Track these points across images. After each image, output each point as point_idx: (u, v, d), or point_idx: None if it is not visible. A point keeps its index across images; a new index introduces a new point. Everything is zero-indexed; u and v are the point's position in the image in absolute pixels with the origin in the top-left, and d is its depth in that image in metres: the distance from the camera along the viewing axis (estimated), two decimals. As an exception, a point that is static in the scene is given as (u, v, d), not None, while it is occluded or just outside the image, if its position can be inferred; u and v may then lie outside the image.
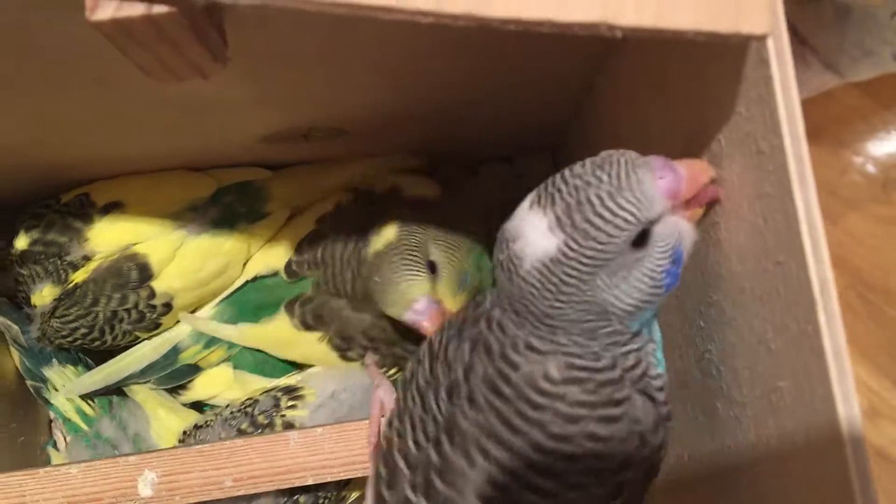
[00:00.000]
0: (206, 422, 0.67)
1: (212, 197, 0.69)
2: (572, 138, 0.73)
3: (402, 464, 0.45)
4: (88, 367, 0.74)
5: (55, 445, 0.75)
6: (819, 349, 0.33)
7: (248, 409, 0.66)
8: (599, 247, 0.36)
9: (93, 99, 0.51)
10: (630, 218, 0.36)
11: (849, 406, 0.32)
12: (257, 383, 0.72)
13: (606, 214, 0.36)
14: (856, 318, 1.10)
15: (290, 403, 0.66)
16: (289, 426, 0.64)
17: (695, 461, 0.49)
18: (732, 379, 0.42)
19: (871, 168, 1.16)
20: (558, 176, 0.38)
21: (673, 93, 0.45)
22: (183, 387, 0.74)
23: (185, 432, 0.68)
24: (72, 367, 0.73)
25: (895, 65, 0.93)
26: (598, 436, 0.39)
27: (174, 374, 0.72)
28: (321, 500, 0.66)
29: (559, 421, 0.39)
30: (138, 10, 0.30)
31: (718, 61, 0.37)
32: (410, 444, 0.45)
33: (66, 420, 0.72)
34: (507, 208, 0.40)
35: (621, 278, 0.37)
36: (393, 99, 0.58)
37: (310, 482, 0.57)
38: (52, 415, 0.79)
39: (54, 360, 0.72)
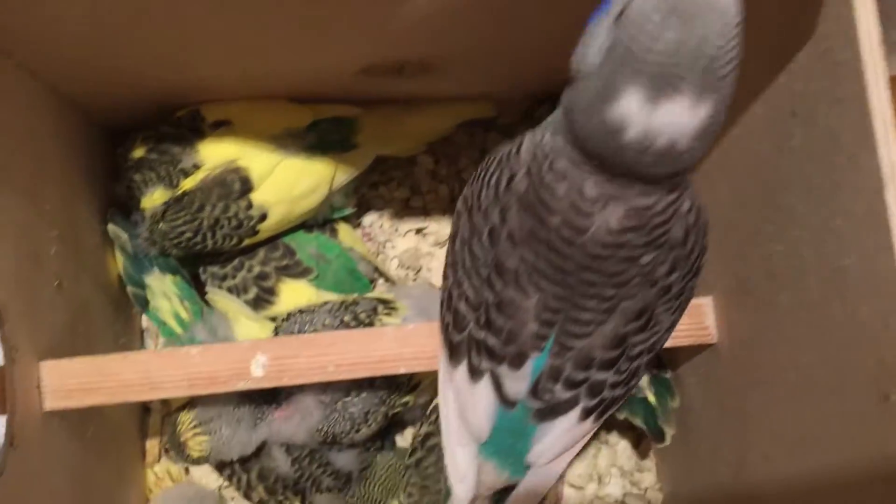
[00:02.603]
0: (311, 307, 0.74)
1: (308, 126, 0.76)
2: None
3: (463, 308, 0.51)
4: (185, 278, 0.80)
5: (148, 351, 0.82)
6: (886, 226, 0.39)
7: (351, 307, 0.73)
8: (730, 89, 0.37)
9: (211, 21, 0.58)
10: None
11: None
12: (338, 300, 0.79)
13: (729, 45, 0.35)
14: None
15: (385, 311, 0.73)
16: None
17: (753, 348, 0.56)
18: (798, 270, 0.49)
19: None
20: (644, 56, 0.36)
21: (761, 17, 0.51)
22: (268, 301, 0.80)
23: (289, 314, 0.75)
24: (170, 276, 0.79)
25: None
26: (644, 262, 0.44)
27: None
28: (395, 387, 0.73)
29: (613, 260, 0.43)
30: None
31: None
32: (468, 289, 0.50)
33: (162, 324, 0.79)
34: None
35: None
36: (489, 35, 0.65)
37: (402, 371, 0.64)
38: (144, 324, 0.86)
39: (155, 269, 0.79)
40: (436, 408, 0.76)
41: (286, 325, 0.74)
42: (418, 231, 0.88)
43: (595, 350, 0.48)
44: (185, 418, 0.73)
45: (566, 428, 0.51)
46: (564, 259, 0.44)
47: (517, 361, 0.49)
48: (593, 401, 0.50)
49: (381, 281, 0.87)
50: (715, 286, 0.62)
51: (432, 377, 0.76)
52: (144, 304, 0.79)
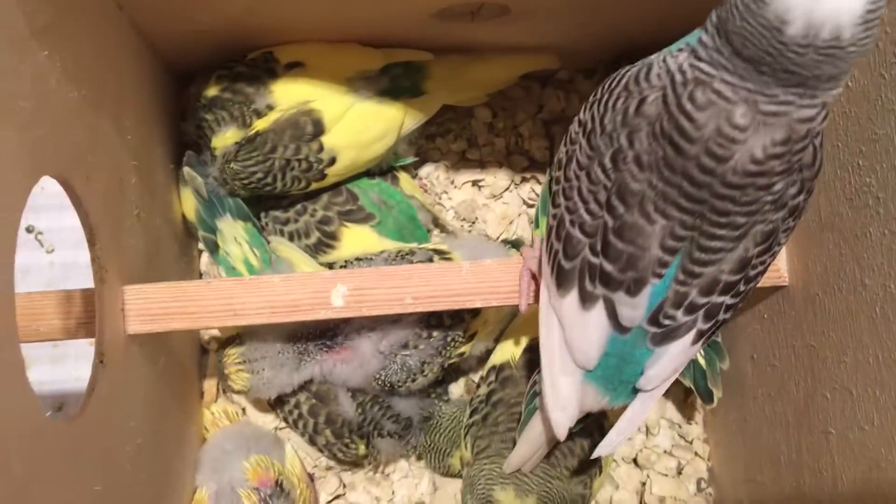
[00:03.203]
0: (369, 256, 0.75)
1: (381, 70, 0.77)
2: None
3: (578, 233, 0.51)
4: (255, 226, 0.81)
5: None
6: None
7: (408, 256, 0.74)
8: None
9: None
10: None
11: None
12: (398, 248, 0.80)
13: None
14: None
15: (440, 261, 0.74)
16: None
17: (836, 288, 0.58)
18: (892, 201, 0.50)
19: None
20: None
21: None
22: (330, 245, 0.81)
23: (346, 261, 0.76)
24: (241, 223, 0.80)
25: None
26: (777, 189, 0.45)
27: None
28: (451, 339, 0.74)
29: (751, 188, 0.44)
30: None
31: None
32: (584, 214, 0.50)
33: (231, 269, 0.80)
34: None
35: None
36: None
37: (478, 305, 0.65)
38: (203, 268, 0.87)
39: (227, 214, 0.80)
40: (494, 368, 0.77)
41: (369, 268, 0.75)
42: (474, 183, 0.90)
43: (722, 275, 0.48)
44: (232, 352, 0.74)
45: (679, 351, 0.52)
46: (699, 188, 0.44)
47: (635, 288, 0.49)
48: (708, 323, 0.51)
49: (436, 232, 0.88)
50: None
51: (488, 329, 0.77)
52: (214, 248, 0.80)
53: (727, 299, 0.50)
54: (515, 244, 0.83)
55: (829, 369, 0.59)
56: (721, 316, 0.51)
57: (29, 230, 0.92)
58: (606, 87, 0.49)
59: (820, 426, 0.61)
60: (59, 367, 0.89)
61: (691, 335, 0.52)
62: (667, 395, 0.86)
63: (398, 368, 0.74)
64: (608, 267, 0.49)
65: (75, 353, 0.87)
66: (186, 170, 0.78)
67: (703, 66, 0.43)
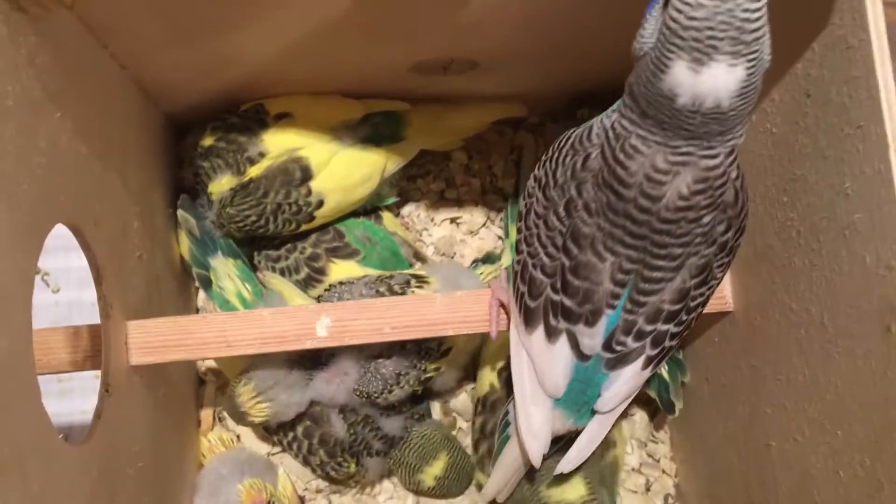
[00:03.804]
0: (351, 280, 0.82)
1: (362, 119, 0.84)
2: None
3: (540, 275, 0.58)
4: (245, 263, 0.88)
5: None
6: (890, 181, 0.47)
7: (387, 280, 0.81)
8: (759, 45, 0.43)
9: (290, 30, 0.66)
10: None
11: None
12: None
13: (754, 16, 0.41)
14: None
15: (417, 284, 0.81)
16: None
17: (766, 312, 0.64)
18: (810, 232, 0.57)
19: None
20: (680, 30, 0.43)
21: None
22: (318, 280, 0.88)
23: (330, 285, 0.83)
24: (232, 260, 0.86)
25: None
26: (706, 222, 0.52)
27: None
28: (424, 351, 0.80)
29: (682, 221, 0.51)
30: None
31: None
32: (544, 258, 0.58)
33: (226, 303, 0.86)
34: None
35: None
36: (528, 39, 0.73)
37: (451, 333, 0.71)
38: (200, 304, 0.93)
39: (219, 252, 0.86)
40: (480, 400, 0.84)
41: (327, 294, 0.82)
42: (452, 220, 0.96)
43: (664, 304, 0.56)
44: (243, 390, 0.79)
45: (631, 375, 0.59)
46: (639, 225, 0.52)
47: (592, 319, 0.57)
48: (656, 350, 0.58)
49: (417, 265, 0.95)
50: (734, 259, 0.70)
51: (463, 346, 0.83)
52: (207, 284, 0.86)
53: (671, 327, 0.57)
54: (486, 258, 0.89)
55: (768, 387, 0.65)
56: (667, 343, 0.58)
57: (36, 271, 0.98)
58: (556, 146, 0.57)
59: (763, 440, 0.67)
60: (66, 400, 0.95)
61: (641, 360, 0.59)
62: (635, 416, 0.91)
63: (373, 377, 0.79)
64: (568, 302, 0.57)
65: (81, 387, 0.93)
66: (180, 212, 0.84)
67: (625, 123, 0.50)
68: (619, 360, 0.59)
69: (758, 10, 0.42)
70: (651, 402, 0.85)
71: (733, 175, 0.51)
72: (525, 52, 0.77)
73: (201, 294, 0.93)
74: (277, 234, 0.84)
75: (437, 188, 0.97)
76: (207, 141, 0.81)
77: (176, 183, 0.87)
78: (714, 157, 0.49)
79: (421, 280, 0.82)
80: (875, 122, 0.48)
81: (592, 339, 0.58)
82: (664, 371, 0.81)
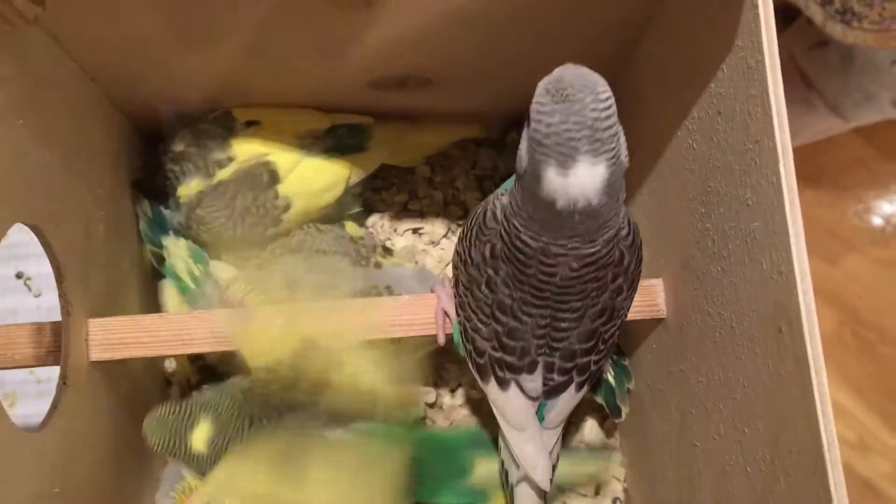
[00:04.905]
0: (324, 229, 0.89)
1: (327, 130, 0.88)
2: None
3: (479, 340, 0.65)
4: (197, 242, 0.91)
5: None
6: (780, 191, 0.51)
7: (358, 241, 0.89)
8: (615, 143, 0.49)
9: (257, 45, 0.71)
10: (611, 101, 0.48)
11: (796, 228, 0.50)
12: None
13: (603, 114, 0.48)
14: (849, 353, 1.22)
15: (380, 254, 0.89)
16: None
17: (695, 323, 0.68)
18: (722, 241, 0.60)
19: (871, 214, 1.27)
20: (543, 136, 0.49)
21: (696, 41, 0.64)
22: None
23: (305, 226, 0.89)
24: (184, 240, 0.90)
25: (894, 111, 1.06)
26: (598, 279, 0.59)
27: None
28: None
29: (577, 286, 0.58)
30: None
31: (725, 14, 0.56)
32: (478, 324, 0.65)
33: (178, 279, 0.88)
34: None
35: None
36: (475, 57, 0.77)
37: (398, 335, 0.75)
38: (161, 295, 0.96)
39: (171, 232, 0.89)
40: None
41: (300, 233, 0.88)
42: (415, 231, 1.00)
43: (574, 345, 0.62)
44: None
45: (569, 398, 0.66)
46: (542, 292, 0.59)
47: (531, 368, 0.64)
48: (583, 377, 0.65)
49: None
50: (665, 268, 0.73)
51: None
52: (161, 261, 0.89)
53: (592, 357, 0.64)
54: None
55: (693, 389, 0.68)
56: (594, 367, 0.65)
57: (18, 276, 1.02)
58: (468, 226, 0.63)
59: (690, 441, 0.70)
60: (44, 400, 0.98)
61: (573, 386, 0.66)
62: (585, 423, 0.95)
63: None
64: (509, 359, 0.64)
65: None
66: (131, 191, 0.87)
67: (516, 223, 0.56)
68: (553, 391, 0.66)
69: (606, 108, 0.47)
70: (601, 408, 0.88)
71: (623, 234, 0.57)
72: (477, 69, 0.81)
73: (165, 298, 0.96)
74: (245, 237, 0.88)
75: (400, 200, 1.00)
76: (178, 146, 0.85)
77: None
78: (594, 246, 0.55)
79: (387, 252, 0.87)
80: (768, 136, 0.52)
81: (534, 382, 0.65)
82: (611, 377, 0.85)
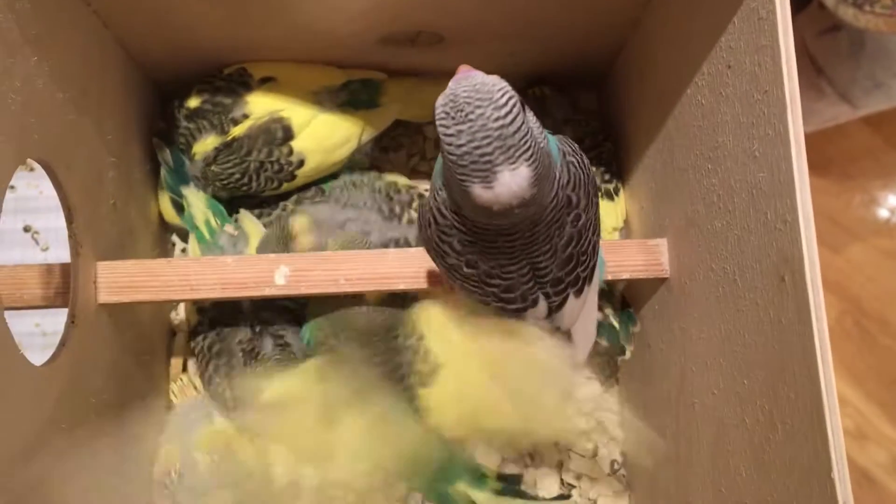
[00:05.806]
0: (363, 183, 0.91)
1: (342, 85, 0.89)
2: (616, 73, 0.92)
3: (467, 285, 0.65)
4: (215, 196, 0.91)
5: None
6: (786, 140, 0.51)
7: (393, 195, 0.91)
8: (528, 139, 0.49)
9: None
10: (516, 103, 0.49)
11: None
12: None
13: (508, 120, 0.48)
14: (850, 343, 1.23)
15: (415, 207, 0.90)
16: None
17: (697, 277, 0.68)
18: (728, 195, 0.61)
19: (876, 204, 1.28)
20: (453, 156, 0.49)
21: (701, 13, 0.64)
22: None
23: (343, 179, 0.93)
24: (202, 193, 0.90)
25: (905, 97, 1.03)
26: (556, 222, 0.58)
27: None
28: None
29: (539, 240, 0.59)
30: None
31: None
32: (479, 294, 0.65)
33: (195, 228, 0.90)
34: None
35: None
36: (488, 14, 0.77)
37: (402, 287, 0.75)
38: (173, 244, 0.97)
39: (191, 183, 0.90)
40: None
41: (335, 184, 0.91)
42: (424, 192, 1.00)
43: (559, 273, 0.62)
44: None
45: (572, 305, 0.66)
46: (512, 254, 0.59)
47: (534, 304, 0.65)
48: (577, 286, 0.64)
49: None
50: (669, 228, 0.74)
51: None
52: (181, 209, 0.90)
53: (578, 270, 0.63)
54: None
55: (694, 345, 0.69)
56: (582, 275, 0.64)
57: (26, 229, 1.03)
58: (424, 227, 0.63)
59: (689, 398, 0.71)
60: (48, 353, 1.00)
61: (572, 295, 0.65)
62: (586, 383, 0.95)
63: None
64: (514, 306, 0.65)
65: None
66: (155, 140, 0.88)
67: (462, 213, 0.56)
68: (558, 307, 0.66)
69: (508, 112, 0.47)
70: (603, 368, 0.89)
71: (564, 181, 0.56)
72: (489, 27, 0.81)
73: (177, 252, 0.97)
74: (260, 192, 0.89)
75: (409, 160, 1.01)
76: (193, 102, 0.86)
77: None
78: (542, 211, 0.56)
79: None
80: (777, 85, 0.52)
81: (540, 310, 0.66)
82: (615, 321, 0.86)
